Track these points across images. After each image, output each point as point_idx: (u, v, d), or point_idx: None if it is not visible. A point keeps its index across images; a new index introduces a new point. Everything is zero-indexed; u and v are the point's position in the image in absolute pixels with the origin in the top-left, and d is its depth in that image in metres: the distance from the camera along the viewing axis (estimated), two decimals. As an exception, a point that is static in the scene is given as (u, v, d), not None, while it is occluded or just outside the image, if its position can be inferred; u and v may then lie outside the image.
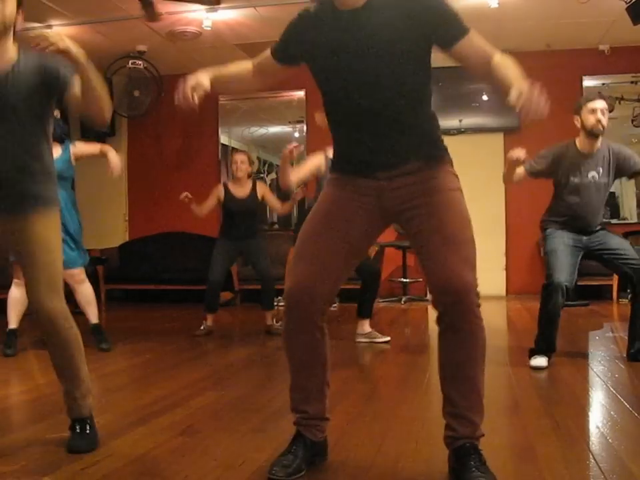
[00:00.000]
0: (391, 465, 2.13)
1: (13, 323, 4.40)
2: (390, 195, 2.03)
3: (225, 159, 8.69)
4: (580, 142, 3.89)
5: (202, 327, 5.26)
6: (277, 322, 5.26)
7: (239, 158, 5.45)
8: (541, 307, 3.79)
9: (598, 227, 3.91)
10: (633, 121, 7.78)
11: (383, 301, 7.66)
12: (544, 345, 3.78)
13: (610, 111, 7.72)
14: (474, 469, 1.92)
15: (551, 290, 3.67)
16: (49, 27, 6.78)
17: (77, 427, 2.35)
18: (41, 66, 2.35)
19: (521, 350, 4.45)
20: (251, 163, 5.52)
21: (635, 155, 3.89)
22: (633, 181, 7.96)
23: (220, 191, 5.44)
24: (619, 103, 7.77)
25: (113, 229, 8.67)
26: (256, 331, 5.41)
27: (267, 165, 8.67)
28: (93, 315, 4.53)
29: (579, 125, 3.89)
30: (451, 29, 2.10)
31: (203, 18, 6.61)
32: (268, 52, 2.32)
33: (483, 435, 2.04)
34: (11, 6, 2.23)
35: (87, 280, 4.53)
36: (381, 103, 1.97)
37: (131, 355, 4.59)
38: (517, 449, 2.31)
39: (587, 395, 3.12)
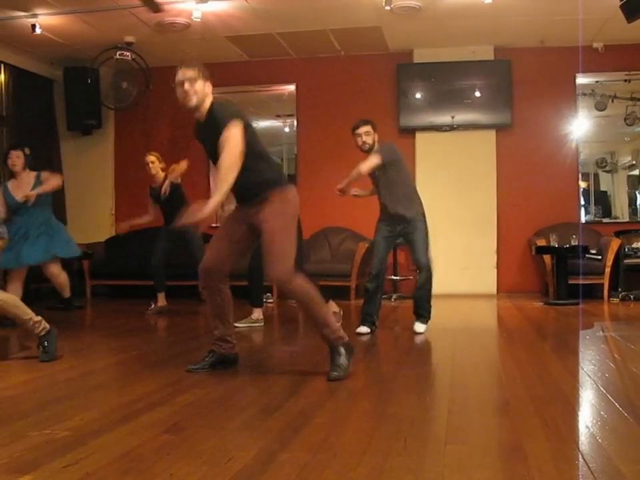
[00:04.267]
0: (379, 462, 2.11)
1: None
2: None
3: (214, 153, 8.63)
4: None
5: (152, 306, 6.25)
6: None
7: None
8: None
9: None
10: (626, 119, 7.79)
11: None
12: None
13: (602, 110, 7.82)
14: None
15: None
16: (34, 15, 6.68)
17: None
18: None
19: (511, 349, 4.44)
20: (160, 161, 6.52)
21: None
22: (624, 180, 7.99)
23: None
24: (612, 101, 7.77)
25: (99, 223, 8.59)
26: (243, 328, 5.36)
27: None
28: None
29: None
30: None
31: (192, 9, 6.55)
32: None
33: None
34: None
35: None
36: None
37: (116, 351, 4.54)
38: (506, 448, 2.29)
39: (577, 394, 3.10)
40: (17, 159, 5.64)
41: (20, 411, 2.80)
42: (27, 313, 3.83)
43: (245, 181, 3.26)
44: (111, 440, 2.37)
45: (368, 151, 4.90)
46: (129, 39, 7.49)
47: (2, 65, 7.68)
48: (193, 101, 3.39)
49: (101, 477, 2.00)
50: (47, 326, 3.87)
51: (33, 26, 6.76)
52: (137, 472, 2.04)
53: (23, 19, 6.73)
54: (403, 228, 5.01)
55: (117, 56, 7.56)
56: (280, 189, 3.39)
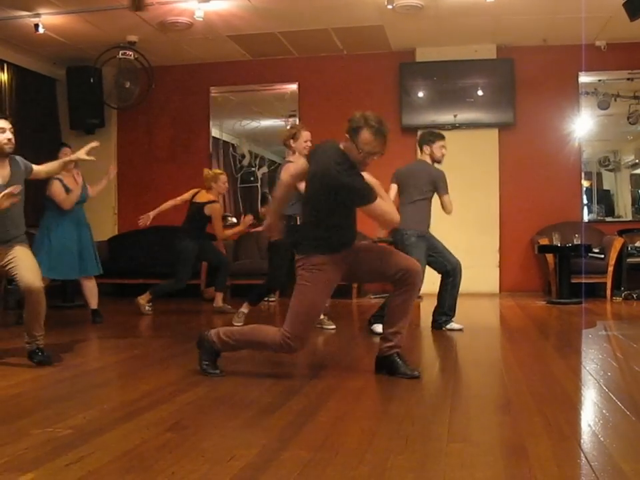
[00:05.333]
0: (380, 461, 2.10)
1: None
2: None
3: (216, 152, 8.64)
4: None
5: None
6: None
7: None
8: None
9: None
10: (628, 118, 7.77)
11: (375, 297, 7.63)
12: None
13: (605, 108, 7.80)
14: None
15: None
16: (37, 15, 6.69)
17: None
18: None
19: (513, 348, 4.44)
20: None
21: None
22: (627, 179, 7.98)
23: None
24: (615, 100, 7.76)
25: (102, 222, 8.59)
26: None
27: (258, 159, 8.62)
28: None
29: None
30: None
31: (194, 8, 6.55)
32: None
33: None
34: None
35: None
36: None
37: (118, 350, 4.55)
38: (508, 446, 2.29)
39: (579, 393, 3.10)
40: (65, 155, 5.66)
41: (22, 409, 2.81)
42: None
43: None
44: (113, 438, 2.37)
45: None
46: (132, 38, 7.49)
47: (5, 65, 7.70)
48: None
49: (103, 475, 2.01)
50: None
51: (36, 25, 6.77)
52: (139, 470, 2.04)
53: (25, 18, 6.74)
54: None
55: (120, 55, 7.56)
56: None
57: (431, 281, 8.05)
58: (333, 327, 5.18)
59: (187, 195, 6.29)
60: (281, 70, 8.46)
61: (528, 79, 7.88)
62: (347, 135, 3.23)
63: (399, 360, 3.40)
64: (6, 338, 5.06)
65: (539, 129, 7.95)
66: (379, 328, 4.86)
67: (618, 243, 7.14)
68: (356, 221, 3.45)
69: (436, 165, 5.11)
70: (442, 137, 5.10)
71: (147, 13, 6.65)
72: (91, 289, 5.68)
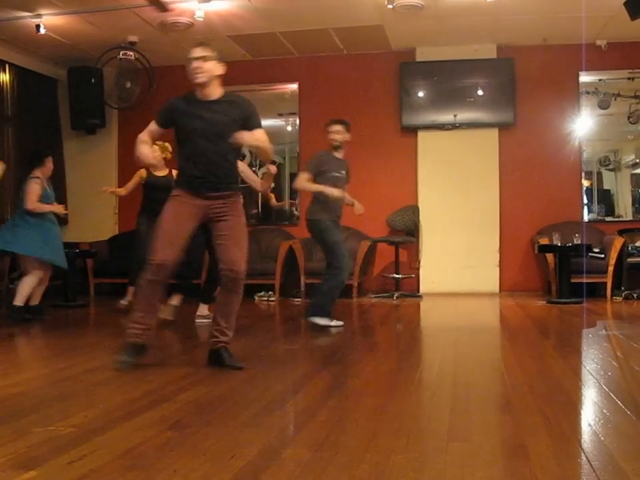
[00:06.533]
0: (381, 460, 2.11)
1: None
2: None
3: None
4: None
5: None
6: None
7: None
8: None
9: None
10: (629, 117, 7.77)
11: (375, 297, 7.64)
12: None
13: (606, 108, 7.81)
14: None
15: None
16: (39, 16, 6.70)
17: None
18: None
19: (513, 348, 4.44)
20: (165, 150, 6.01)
21: None
22: (628, 178, 7.98)
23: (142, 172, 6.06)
24: (615, 99, 7.76)
25: (102, 222, 8.61)
26: (245, 325, 5.38)
27: (258, 159, 8.61)
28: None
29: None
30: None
31: (195, 9, 6.56)
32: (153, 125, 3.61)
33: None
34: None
35: None
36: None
37: (119, 349, 4.53)
38: (509, 446, 2.29)
39: (580, 392, 3.10)
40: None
41: (24, 408, 2.82)
42: None
43: (224, 169, 3.51)
44: (115, 437, 2.38)
45: (336, 148, 5.21)
46: (133, 38, 7.50)
47: (6, 65, 7.71)
48: (202, 78, 3.47)
49: (105, 473, 2.01)
50: None
51: (37, 26, 6.78)
52: (140, 468, 2.05)
53: (27, 19, 6.75)
54: None
55: (121, 55, 7.57)
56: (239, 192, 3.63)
57: (431, 280, 8.12)
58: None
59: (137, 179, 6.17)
60: (281, 70, 8.47)
61: (528, 78, 7.89)
62: None
63: (225, 353, 3.58)
64: (8, 336, 5.07)
65: (539, 129, 7.96)
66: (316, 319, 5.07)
67: (618, 242, 7.14)
68: (225, 165, 3.52)
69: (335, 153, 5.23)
70: (334, 122, 5.22)
71: (147, 13, 6.66)
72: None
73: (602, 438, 2.32)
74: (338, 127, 5.15)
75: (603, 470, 1.99)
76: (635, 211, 7.93)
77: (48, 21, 6.78)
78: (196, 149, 3.47)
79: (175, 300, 5.52)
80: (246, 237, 3.59)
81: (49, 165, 5.83)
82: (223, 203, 3.52)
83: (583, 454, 2.15)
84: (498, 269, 7.99)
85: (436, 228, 8.13)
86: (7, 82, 7.74)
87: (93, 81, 7.99)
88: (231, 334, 3.62)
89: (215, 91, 3.56)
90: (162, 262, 3.42)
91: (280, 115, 8.59)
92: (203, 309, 5.55)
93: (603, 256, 7.19)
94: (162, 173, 5.99)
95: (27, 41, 7.33)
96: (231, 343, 3.64)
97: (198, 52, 3.46)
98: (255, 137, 3.50)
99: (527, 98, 7.88)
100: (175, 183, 3.72)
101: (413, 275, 8.07)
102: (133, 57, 7.63)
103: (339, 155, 5.21)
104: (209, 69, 3.46)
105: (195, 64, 3.44)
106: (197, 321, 5.49)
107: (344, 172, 5.20)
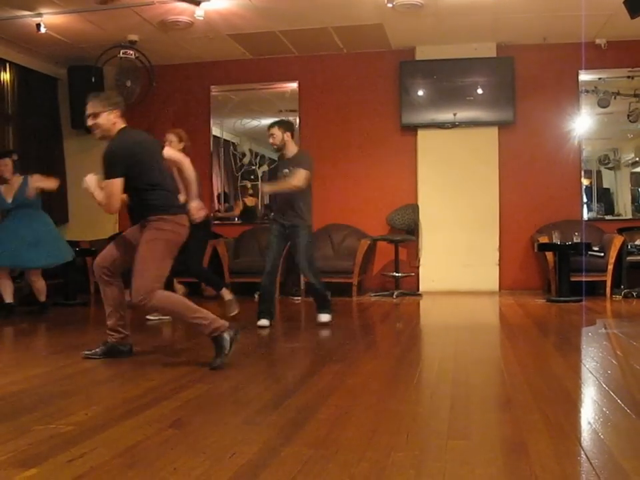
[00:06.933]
0: (381, 457, 2.11)
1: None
2: None
3: (216, 151, 8.65)
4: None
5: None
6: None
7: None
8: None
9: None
10: (629, 116, 7.78)
11: (375, 295, 7.65)
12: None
13: (605, 107, 7.81)
14: None
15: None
16: (39, 15, 6.70)
17: None
18: None
19: (513, 346, 4.45)
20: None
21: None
22: (627, 177, 7.99)
23: None
24: (615, 98, 7.76)
25: (102, 221, 8.60)
26: (244, 323, 5.38)
27: (258, 157, 8.63)
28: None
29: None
30: None
31: (195, 7, 6.54)
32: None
33: None
34: None
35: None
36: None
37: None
38: (509, 444, 2.30)
39: (579, 391, 3.11)
40: (4, 166, 5.94)
41: (25, 406, 2.82)
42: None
43: (135, 206, 3.79)
44: (115, 434, 2.38)
45: (277, 151, 5.33)
46: (133, 37, 7.50)
47: (7, 64, 7.71)
48: (98, 134, 3.82)
49: (106, 470, 2.02)
50: None
51: (38, 25, 6.78)
52: (140, 466, 2.05)
53: (27, 18, 6.75)
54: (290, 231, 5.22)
55: (121, 54, 7.56)
56: (159, 217, 3.68)
57: (430, 278, 8.13)
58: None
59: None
60: (281, 68, 8.46)
61: (528, 77, 7.89)
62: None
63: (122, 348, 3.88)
64: (10, 335, 5.08)
65: (539, 127, 7.96)
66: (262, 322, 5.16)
67: (618, 241, 7.15)
68: (135, 202, 3.77)
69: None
70: (269, 127, 5.31)
71: (147, 12, 6.66)
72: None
73: (601, 436, 2.33)
74: (272, 131, 5.21)
75: (602, 468, 1.99)
76: (635, 209, 7.94)
77: (48, 20, 6.78)
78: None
79: (227, 295, 5.64)
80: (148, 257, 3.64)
81: None
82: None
83: (582, 452, 2.15)
84: (498, 267, 8.00)
85: (436, 226, 8.14)
86: (7, 81, 7.74)
87: (93, 79, 7.98)
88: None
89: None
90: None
91: (280, 113, 8.59)
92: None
93: (602, 254, 7.19)
94: None
95: (28, 40, 7.33)
96: None
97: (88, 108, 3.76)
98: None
99: (526, 96, 7.88)
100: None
101: (413, 274, 8.08)
102: (133, 56, 7.62)
103: (287, 154, 5.24)
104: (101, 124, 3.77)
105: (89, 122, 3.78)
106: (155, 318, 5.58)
107: (287, 170, 5.20)
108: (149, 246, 3.63)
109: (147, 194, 3.70)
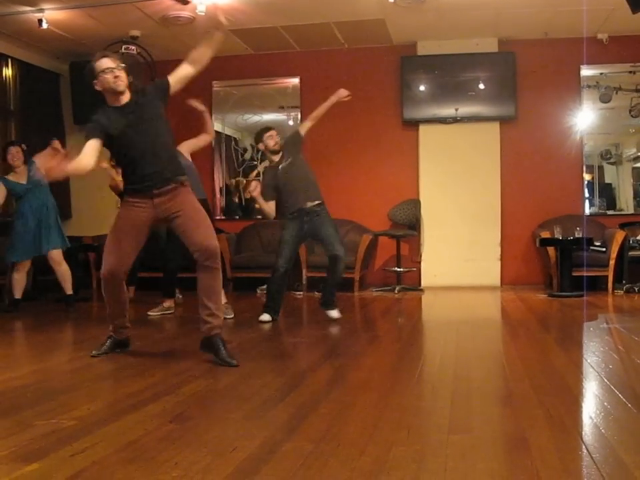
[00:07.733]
0: (382, 452, 2.12)
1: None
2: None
3: (218, 146, 8.64)
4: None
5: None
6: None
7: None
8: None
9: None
10: (630, 111, 7.76)
11: (377, 290, 7.65)
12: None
13: (607, 102, 7.79)
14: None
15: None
16: (41, 10, 6.69)
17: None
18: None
19: (515, 341, 4.45)
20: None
21: None
22: (629, 172, 7.97)
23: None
24: (617, 93, 7.74)
25: (105, 216, 8.59)
26: (247, 319, 5.39)
27: (259, 153, 8.61)
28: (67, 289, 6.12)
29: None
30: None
31: (196, 3, 6.54)
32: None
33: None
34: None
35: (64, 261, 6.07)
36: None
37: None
38: (510, 439, 2.30)
39: (581, 385, 3.11)
40: (17, 154, 5.92)
41: (27, 401, 2.83)
42: None
43: (165, 163, 3.59)
44: (117, 429, 2.39)
45: (277, 152, 5.33)
46: (134, 33, 7.49)
47: (9, 60, 7.72)
48: (120, 87, 3.78)
49: (107, 465, 2.02)
50: None
51: (40, 21, 6.77)
52: (142, 461, 2.06)
53: (29, 13, 6.74)
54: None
55: (123, 50, 7.55)
56: (186, 179, 3.66)
57: (432, 273, 8.12)
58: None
59: None
60: (282, 64, 8.45)
61: (529, 72, 7.87)
62: None
63: (221, 345, 3.55)
64: (14, 330, 5.08)
65: (541, 123, 7.94)
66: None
67: (619, 236, 7.14)
68: (164, 158, 3.61)
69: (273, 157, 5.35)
70: (267, 129, 5.36)
71: (149, 7, 6.65)
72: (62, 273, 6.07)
73: (603, 430, 2.33)
74: (271, 132, 5.30)
75: (603, 462, 1.99)
76: (637, 204, 7.92)
77: (50, 15, 6.77)
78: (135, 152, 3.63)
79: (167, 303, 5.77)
80: (204, 215, 3.61)
81: (8, 156, 5.92)
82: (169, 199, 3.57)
83: (584, 446, 2.15)
84: (499, 262, 8.00)
85: (437, 221, 8.13)
86: (9, 76, 7.75)
87: (95, 75, 7.98)
88: (221, 315, 3.69)
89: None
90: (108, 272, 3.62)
91: (281, 109, 8.59)
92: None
93: (604, 249, 7.18)
94: None
95: (30, 35, 7.33)
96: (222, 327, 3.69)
97: (109, 63, 3.68)
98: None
99: (528, 92, 7.87)
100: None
101: (415, 269, 8.08)
102: (135, 52, 7.61)
103: (277, 157, 5.32)
104: (125, 77, 3.73)
105: (116, 73, 3.71)
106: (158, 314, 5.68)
107: (285, 162, 5.32)
108: (198, 207, 3.60)
109: (175, 151, 3.75)
